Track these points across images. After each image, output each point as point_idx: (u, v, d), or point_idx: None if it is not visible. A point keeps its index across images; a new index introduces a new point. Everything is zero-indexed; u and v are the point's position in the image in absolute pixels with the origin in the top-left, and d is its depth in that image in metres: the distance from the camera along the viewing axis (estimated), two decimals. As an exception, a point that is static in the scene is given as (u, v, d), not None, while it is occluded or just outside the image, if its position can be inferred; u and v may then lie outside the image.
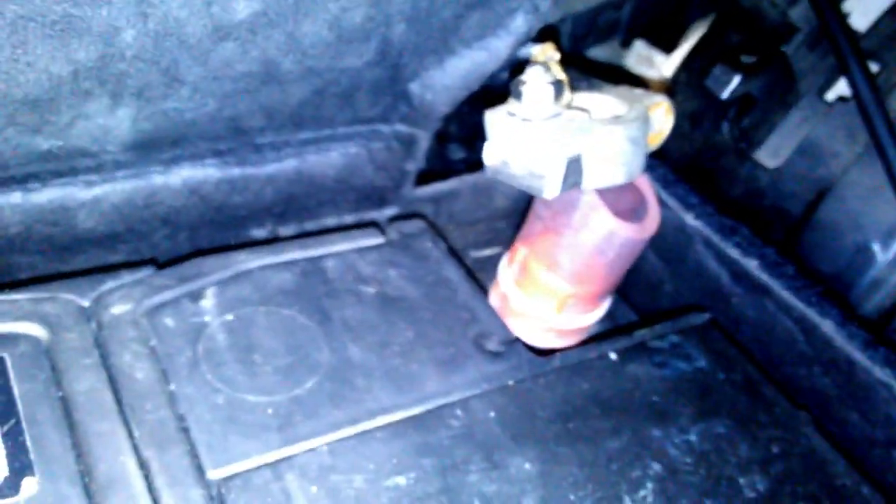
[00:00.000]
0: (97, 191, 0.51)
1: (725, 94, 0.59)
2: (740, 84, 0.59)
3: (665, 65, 0.74)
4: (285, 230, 0.61)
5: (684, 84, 0.65)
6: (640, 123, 0.53)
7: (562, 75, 0.54)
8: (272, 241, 0.58)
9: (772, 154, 0.60)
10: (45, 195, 0.50)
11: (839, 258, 0.59)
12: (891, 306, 0.57)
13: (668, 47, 0.77)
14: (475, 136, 0.72)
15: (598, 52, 0.85)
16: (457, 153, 0.74)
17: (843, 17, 0.61)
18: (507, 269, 0.60)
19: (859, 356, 0.49)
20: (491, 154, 0.53)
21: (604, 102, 0.56)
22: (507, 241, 0.64)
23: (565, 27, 0.77)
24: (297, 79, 0.51)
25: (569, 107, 0.53)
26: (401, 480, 0.43)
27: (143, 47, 0.42)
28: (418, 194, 0.66)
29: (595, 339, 0.58)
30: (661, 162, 0.60)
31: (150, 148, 0.52)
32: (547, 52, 0.57)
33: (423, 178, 0.68)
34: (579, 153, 0.51)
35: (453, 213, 0.70)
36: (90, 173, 0.51)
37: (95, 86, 0.44)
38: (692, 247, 0.59)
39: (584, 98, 0.56)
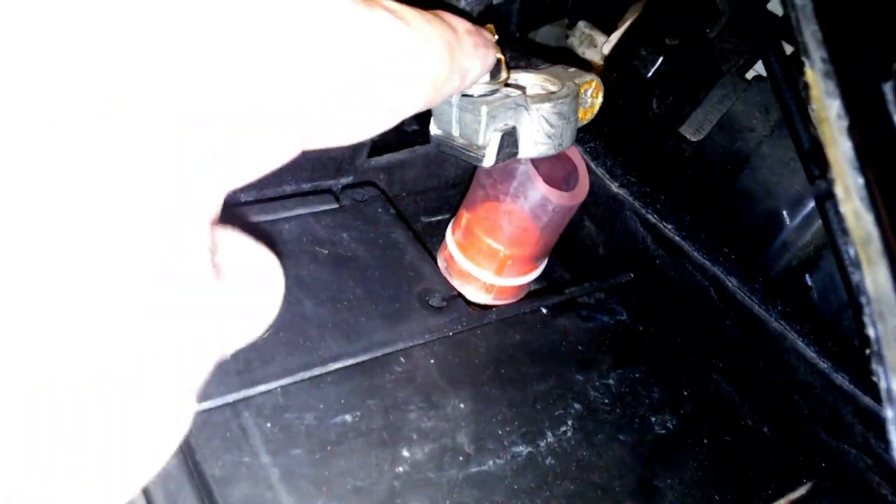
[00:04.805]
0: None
1: (649, 74, 0.64)
2: (663, 64, 0.65)
3: (605, 45, 0.78)
4: (246, 196, 0.65)
5: (618, 63, 0.70)
6: (570, 100, 0.58)
7: (499, 55, 0.58)
8: (233, 205, 0.62)
9: (695, 129, 0.66)
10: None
11: (753, 223, 0.65)
12: (798, 266, 0.63)
13: (609, 28, 0.82)
14: (428, 111, 0.76)
15: (548, 32, 0.90)
16: (411, 125, 0.78)
17: (762, 2, 0.66)
18: (452, 234, 0.65)
19: (759, 310, 0.55)
20: (435, 127, 0.57)
21: (538, 80, 0.61)
22: (456, 208, 0.69)
23: (514, 7, 0.82)
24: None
25: (506, 84, 0.57)
26: (347, 418, 0.49)
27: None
28: (372, 164, 0.70)
29: (530, 296, 0.63)
30: (594, 135, 0.65)
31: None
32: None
33: (378, 149, 0.72)
34: (514, 127, 0.56)
35: (406, 182, 0.74)
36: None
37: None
38: (621, 213, 0.64)
39: (521, 76, 0.61)
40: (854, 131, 0.30)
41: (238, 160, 0.23)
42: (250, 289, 0.26)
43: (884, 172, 0.31)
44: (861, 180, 0.29)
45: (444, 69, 0.30)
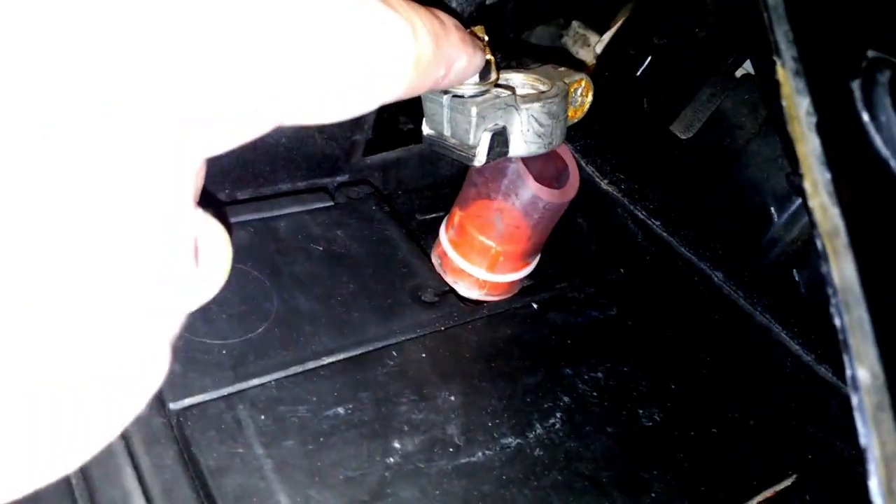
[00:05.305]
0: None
1: (638, 73, 0.65)
2: (652, 63, 0.66)
3: (598, 44, 0.79)
4: (242, 194, 0.66)
5: (609, 63, 0.71)
6: (559, 99, 0.59)
7: (489, 55, 0.59)
8: (229, 203, 0.63)
9: (685, 127, 0.67)
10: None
11: (742, 219, 0.65)
12: (786, 261, 0.64)
13: (603, 28, 0.83)
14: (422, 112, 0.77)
15: (542, 32, 0.90)
16: (406, 125, 0.79)
17: (751, 2, 0.67)
18: (445, 231, 0.66)
19: (744, 303, 0.56)
20: (427, 127, 0.59)
21: (528, 80, 0.62)
22: (451, 206, 0.70)
23: (508, 7, 0.83)
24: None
25: (496, 84, 0.58)
26: (340, 410, 0.50)
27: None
28: (367, 162, 0.71)
29: (522, 292, 0.64)
30: (584, 134, 0.66)
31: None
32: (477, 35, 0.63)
33: (374, 147, 0.73)
34: (504, 126, 0.57)
35: (401, 181, 0.75)
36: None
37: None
38: (612, 210, 0.65)
39: (511, 76, 0.62)
40: (822, 128, 0.31)
41: (224, 149, 0.23)
42: (207, 260, 0.27)
43: (851, 168, 0.32)
44: (828, 175, 0.30)
45: (428, 53, 0.31)
